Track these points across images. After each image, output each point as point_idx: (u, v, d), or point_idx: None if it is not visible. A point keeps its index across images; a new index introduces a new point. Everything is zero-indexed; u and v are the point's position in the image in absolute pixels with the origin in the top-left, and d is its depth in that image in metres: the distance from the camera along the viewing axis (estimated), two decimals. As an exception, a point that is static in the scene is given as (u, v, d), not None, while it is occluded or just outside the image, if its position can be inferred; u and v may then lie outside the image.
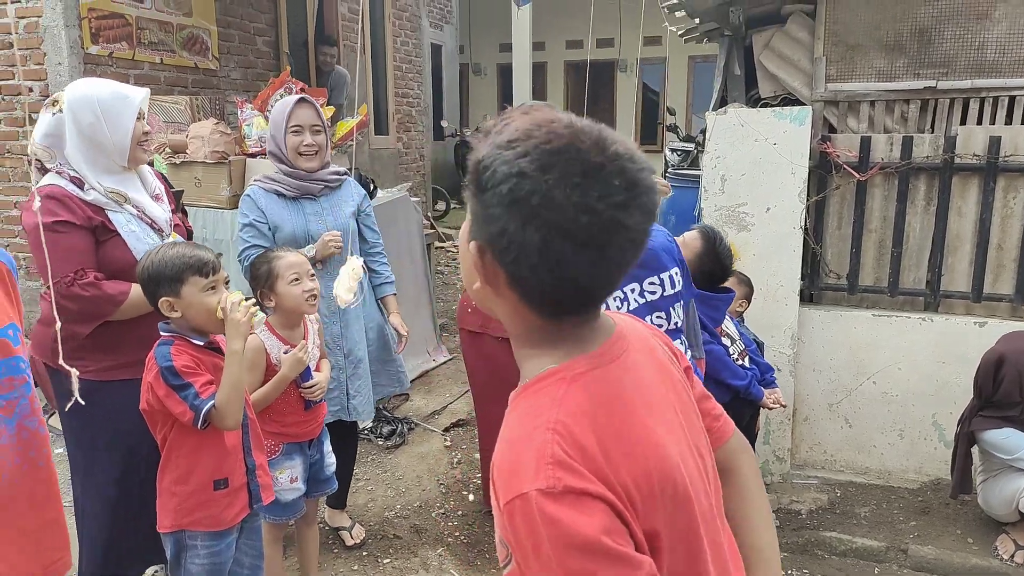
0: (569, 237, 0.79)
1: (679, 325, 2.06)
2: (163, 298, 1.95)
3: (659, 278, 1.97)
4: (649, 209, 0.84)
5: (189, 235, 2.56)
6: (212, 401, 1.88)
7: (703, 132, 10.77)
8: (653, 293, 1.95)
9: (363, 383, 2.92)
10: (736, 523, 1.07)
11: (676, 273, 2.06)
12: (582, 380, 0.87)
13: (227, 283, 2.05)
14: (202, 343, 2.00)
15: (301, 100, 2.81)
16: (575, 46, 13.60)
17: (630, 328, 0.99)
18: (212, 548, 2.01)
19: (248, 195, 2.82)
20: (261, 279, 2.39)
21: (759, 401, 2.93)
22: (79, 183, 2.19)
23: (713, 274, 2.74)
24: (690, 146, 7.89)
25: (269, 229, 2.76)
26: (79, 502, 2.38)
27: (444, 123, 11.94)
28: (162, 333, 1.94)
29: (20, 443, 1.50)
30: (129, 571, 2.48)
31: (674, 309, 2.06)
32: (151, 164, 2.56)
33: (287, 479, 2.35)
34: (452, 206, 11.17)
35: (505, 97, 13.52)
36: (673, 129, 9.27)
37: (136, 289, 2.16)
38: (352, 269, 2.67)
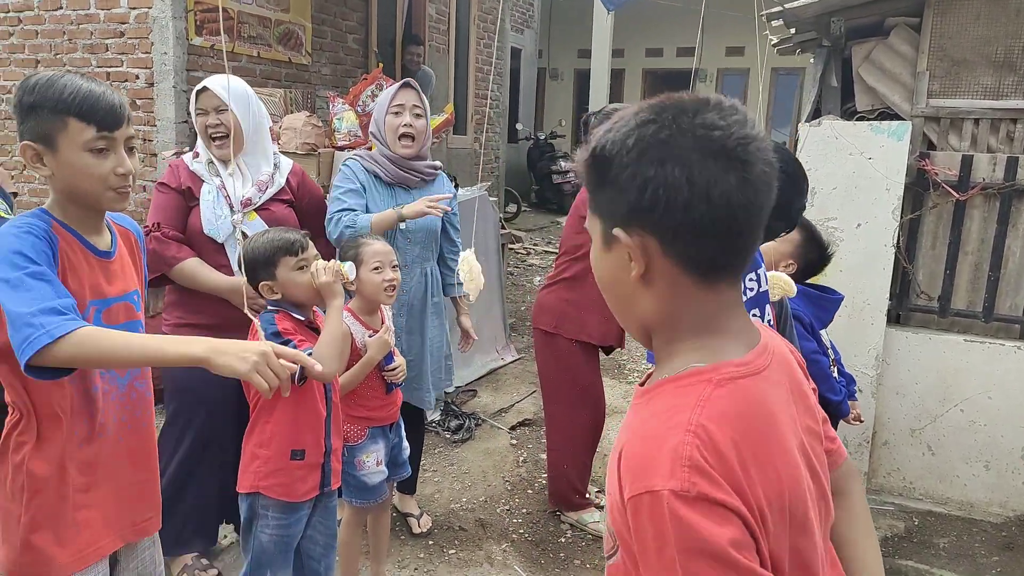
0: (710, 155, 0.79)
1: (771, 324, 2.01)
2: (262, 283, 2.06)
3: (756, 274, 1.91)
4: (776, 203, 0.86)
5: (311, 216, 2.72)
6: (309, 350, 1.95)
7: (783, 144, 10.63)
8: (752, 289, 1.91)
9: (421, 378, 2.93)
10: (844, 544, 1.05)
11: (764, 272, 2.02)
12: (729, 386, 0.84)
13: (317, 259, 2.14)
14: (302, 318, 2.09)
15: (405, 84, 2.85)
16: (654, 54, 13.52)
17: (772, 340, 0.96)
18: (281, 521, 2.08)
19: (347, 164, 2.83)
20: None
21: (844, 416, 2.84)
22: (196, 155, 2.56)
23: (815, 263, 2.56)
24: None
25: (363, 196, 2.77)
26: (161, 438, 2.57)
27: (519, 126, 12.01)
28: (268, 307, 2.03)
29: (129, 402, 1.59)
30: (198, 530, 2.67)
31: (766, 309, 2.02)
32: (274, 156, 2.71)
33: (373, 462, 2.41)
34: (523, 209, 11.22)
35: (581, 102, 13.52)
36: (752, 141, 9.14)
37: (194, 263, 2.43)
38: (466, 262, 2.72)
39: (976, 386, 3.41)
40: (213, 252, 2.49)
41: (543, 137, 12.18)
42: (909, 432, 3.55)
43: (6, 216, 2.36)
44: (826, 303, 2.68)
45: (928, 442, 3.54)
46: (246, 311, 2.10)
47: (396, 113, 2.79)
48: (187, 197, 2.50)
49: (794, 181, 1.84)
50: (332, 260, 2.13)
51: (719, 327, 0.89)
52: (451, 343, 3.13)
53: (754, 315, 1.82)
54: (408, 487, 3.22)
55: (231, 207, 2.49)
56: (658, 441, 0.80)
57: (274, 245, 2.05)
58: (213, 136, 2.49)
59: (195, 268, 2.44)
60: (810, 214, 3.39)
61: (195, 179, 2.51)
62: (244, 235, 2.44)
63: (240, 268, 2.10)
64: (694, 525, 0.75)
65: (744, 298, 1.76)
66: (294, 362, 1.47)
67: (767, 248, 2.34)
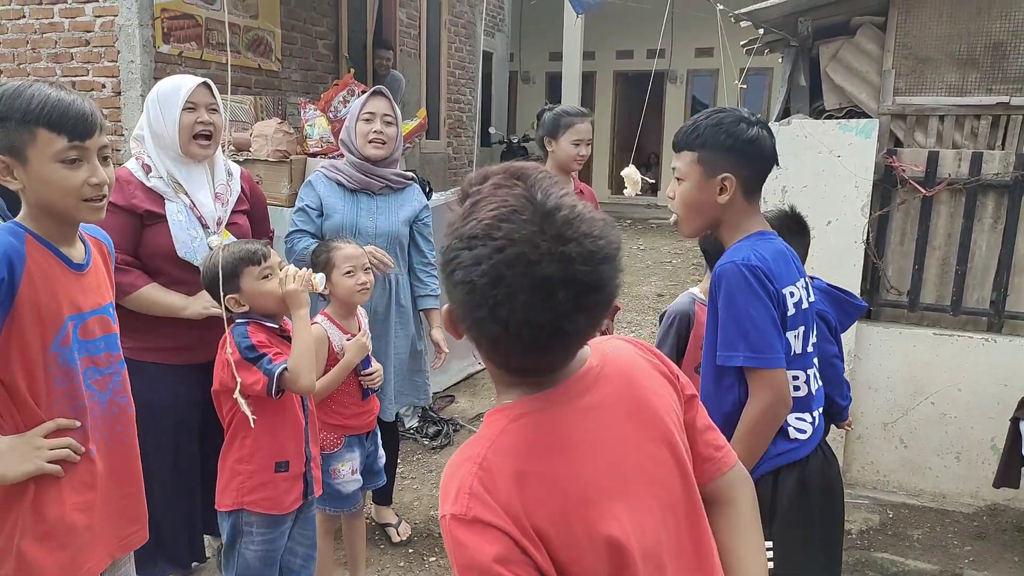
0: (513, 341, 0.89)
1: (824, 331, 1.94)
2: (228, 296, 2.03)
3: (805, 281, 1.77)
4: (596, 310, 0.91)
5: (260, 222, 2.64)
6: (284, 365, 1.94)
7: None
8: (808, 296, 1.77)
9: (384, 385, 2.84)
10: (725, 551, 1.11)
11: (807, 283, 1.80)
12: (521, 422, 0.95)
13: (281, 267, 2.12)
14: (275, 326, 2.07)
15: (376, 91, 2.85)
16: (625, 56, 13.59)
17: (613, 359, 1.04)
18: (266, 536, 2.06)
19: (309, 180, 2.86)
20: (319, 267, 2.45)
21: (843, 421, 2.80)
22: (148, 169, 2.33)
23: (795, 231, 2.20)
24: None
25: (319, 216, 2.78)
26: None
27: (492, 129, 12.01)
28: (236, 320, 2.00)
29: (110, 418, 1.56)
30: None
31: (812, 326, 1.79)
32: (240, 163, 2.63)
33: (348, 471, 2.39)
34: (498, 212, 11.18)
35: (553, 104, 13.54)
36: (723, 141, 9.23)
37: (153, 291, 2.26)
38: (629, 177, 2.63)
39: (946, 379, 3.46)
40: (185, 274, 2.35)
41: (516, 140, 12.18)
42: (882, 426, 3.60)
43: None
44: (849, 308, 2.60)
45: (900, 435, 3.59)
46: (218, 312, 2.05)
47: (367, 120, 2.80)
48: (143, 217, 2.31)
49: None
50: (304, 268, 2.10)
51: (526, 383, 0.98)
52: (427, 360, 3.09)
53: (797, 334, 1.70)
54: (384, 498, 3.19)
55: (204, 226, 2.38)
56: (454, 471, 0.94)
57: (236, 257, 2.03)
58: (201, 134, 2.34)
59: (152, 294, 2.28)
60: (781, 212, 3.44)
61: (155, 198, 2.32)
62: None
63: (204, 286, 2.08)
64: (467, 545, 0.89)
65: (806, 305, 1.70)
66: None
67: None
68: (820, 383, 1.75)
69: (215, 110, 2.38)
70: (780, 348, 1.57)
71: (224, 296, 2.01)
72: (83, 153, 1.42)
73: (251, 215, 2.59)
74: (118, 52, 4.73)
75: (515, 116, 14.12)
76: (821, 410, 1.76)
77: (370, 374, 2.45)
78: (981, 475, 3.48)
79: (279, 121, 4.48)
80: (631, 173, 2.60)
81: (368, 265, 2.50)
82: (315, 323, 2.38)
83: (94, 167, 1.44)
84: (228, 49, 4.47)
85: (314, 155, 4.37)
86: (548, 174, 0.95)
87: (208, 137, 2.36)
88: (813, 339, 1.71)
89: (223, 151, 2.57)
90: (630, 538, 0.94)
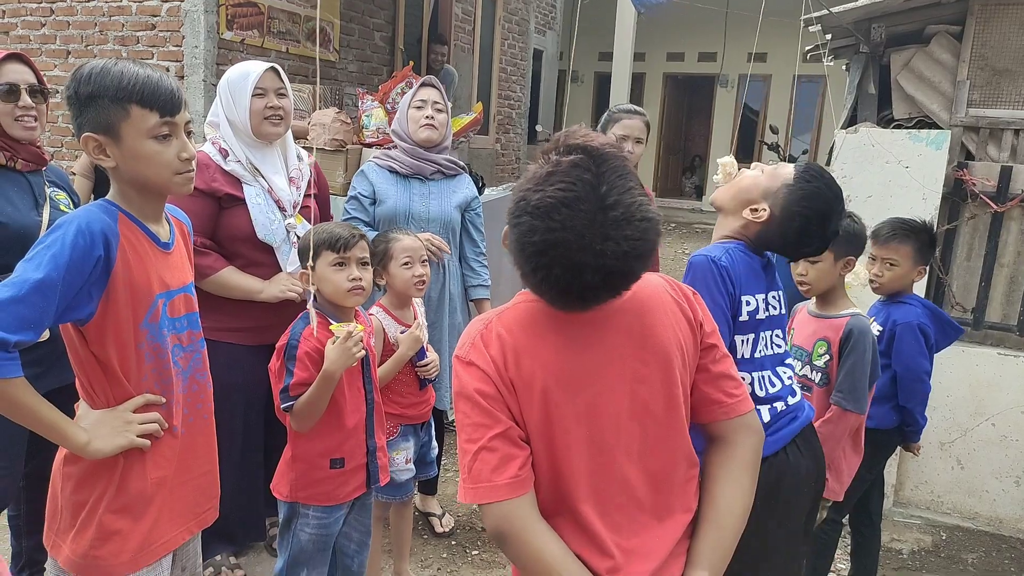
0: (544, 292, 1.17)
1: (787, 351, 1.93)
2: (302, 271, 2.06)
3: (778, 294, 1.87)
4: (619, 288, 1.15)
5: (324, 208, 2.69)
6: (292, 403, 1.96)
7: (805, 152, 10.47)
8: (775, 308, 1.84)
9: (444, 375, 2.87)
10: (709, 479, 1.30)
11: (782, 295, 1.89)
12: (531, 304, 1.23)
13: (364, 263, 2.11)
14: (335, 323, 2.06)
15: (427, 82, 2.91)
16: (675, 58, 13.47)
17: (639, 289, 1.22)
18: (322, 520, 2.07)
19: (362, 170, 2.91)
20: (378, 256, 2.45)
21: (914, 442, 2.71)
22: (225, 153, 2.38)
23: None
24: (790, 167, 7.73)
25: (372, 203, 2.81)
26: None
27: (539, 127, 11.98)
28: (309, 307, 2.02)
29: (190, 395, 1.57)
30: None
31: (788, 333, 1.97)
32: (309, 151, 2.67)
33: (403, 460, 2.40)
34: (541, 210, 11.16)
35: (601, 105, 13.48)
36: (774, 148, 9.08)
37: (231, 274, 2.29)
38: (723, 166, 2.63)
39: (1009, 400, 3.36)
40: (263, 256, 2.41)
41: (563, 139, 12.14)
42: (939, 445, 3.51)
43: (66, 211, 2.34)
44: (949, 329, 2.64)
45: (958, 456, 3.49)
46: (295, 296, 2.05)
47: (419, 107, 2.86)
48: (222, 200, 2.38)
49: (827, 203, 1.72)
50: (352, 328, 1.99)
51: None
52: None
53: (777, 335, 1.82)
54: (429, 487, 3.20)
55: (281, 209, 2.43)
56: (472, 325, 1.27)
57: (320, 238, 2.06)
58: (271, 117, 2.39)
59: (229, 277, 2.34)
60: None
61: (233, 182, 2.39)
62: (298, 237, 2.42)
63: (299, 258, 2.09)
64: (461, 376, 1.22)
65: (764, 316, 1.77)
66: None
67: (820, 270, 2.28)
68: (780, 387, 1.79)
69: (283, 94, 2.43)
70: (724, 339, 1.68)
71: (306, 269, 2.04)
72: (173, 128, 1.44)
73: (318, 199, 2.63)
74: (183, 37, 4.81)
75: (562, 114, 14.09)
76: (781, 407, 1.77)
77: (425, 365, 2.45)
78: (1041, 501, 3.37)
79: (337, 111, 4.52)
80: (728, 163, 2.53)
81: (425, 257, 2.50)
82: (371, 314, 2.38)
83: (183, 142, 1.46)
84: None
85: (370, 145, 4.39)
86: (622, 165, 1.13)
87: (279, 120, 2.41)
88: (766, 352, 1.78)
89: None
90: (581, 433, 1.20)
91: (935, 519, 3.51)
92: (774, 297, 1.83)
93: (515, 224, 1.13)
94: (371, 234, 2.70)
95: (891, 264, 2.58)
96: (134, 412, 1.45)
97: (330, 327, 1.99)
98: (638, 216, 1.10)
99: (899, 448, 3.44)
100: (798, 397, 1.83)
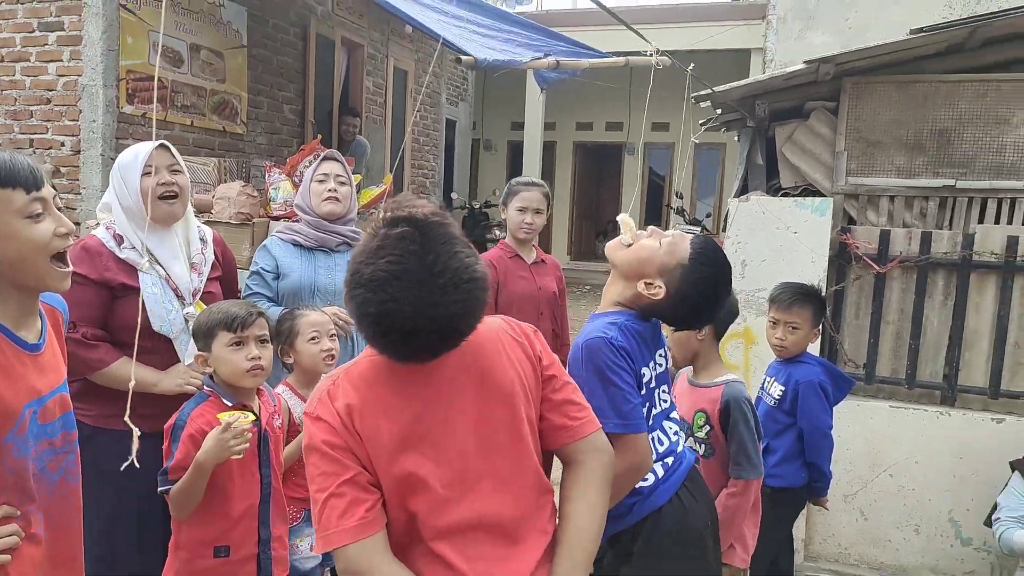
0: (385, 352, 1.30)
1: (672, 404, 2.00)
2: (198, 352, 2.01)
3: (664, 351, 1.92)
4: (452, 343, 1.29)
5: (231, 285, 2.59)
6: (169, 488, 1.89)
7: (708, 216, 10.95)
8: (660, 366, 1.90)
9: None
10: (564, 502, 1.41)
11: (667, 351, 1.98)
12: (376, 359, 1.32)
13: (263, 341, 2.06)
14: (231, 404, 2.00)
15: (329, 156, 2.93)
16: (585, 128, 13.97)
17: (477, 332, 1.32)
18: None
19: (264, 244, 2.87)
20: (283, 335, 2.40)
21: (820, 496, 2.82)
22: (120, 240, 2.26)
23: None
24: (696, 229, 8.06)
25: (275, 278, 2.76)
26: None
27: (454, 195, 12.13)
28: (204, 387, 1.95)
29: (59, 499, 1.46)
30: None
31: (671, 388, 2.01)
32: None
33: (307, 547, 2.29)
34: (458, 277, 11.18)
35: (514, 173, 13.77)
36: (680, 212, 9.46)
37: (123, 366, 2.15)
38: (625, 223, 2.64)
39: (903, 451, 3.51)
40: (159, 345, 2.25)
41: (477, 206, 12.32)
42: (843, 498, 3.62)
43: None
44: (842, 383, 2.77)
45: (861, 507, 3.61)
46: (193, 389, 1.98)
47: (321, 181, 2.86)
48: (116, 291, 2.23)
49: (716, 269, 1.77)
50: (236, 417, 1.92)
51: None
52: None
53: (663, 390, 1.90)
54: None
55: (180, 298, 2.30)
56: (322, 384, 1.35)
57: (215, 318, 2.01)
58: (165, 196, 2.27)
59: (121, 370, 2.16)
60: (741, 285, 3.52)
61: (128, 270, 2.24)
62: None
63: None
64: (309, 431, 1.30)
65: (652, 382, 1.84)
66: None
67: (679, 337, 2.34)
68: (668, 444, 1.87)
69: (177, 170, 2.32)
70: (642, 415, 1.73)
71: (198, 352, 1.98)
72: (44, 205, 1.35)
73: (223, 280, 2.53)
74: (80, 112, 4.69)
75: (477, 182, 14.32)
76: (671, 461, 1.86)
77: None
78: (939, 548, 3.50)
79: (243, 184, 4.47)
80: (626, 218, 2.63)
81: (333, 331, 2.46)
82: (277, 394, 2.31)
83: (57, 217, 1.37)
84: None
85: (277, 218, 4.34)
86: (446, 232, 1.25)
87: (172, 197, 2.30)
88: (655, 411, 1.86)
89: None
90: (429, 472, 1.28)
91: (844, 571, 3.59)
92: (660, 355, 1.89)
93: (352, 296, 1.24)
94: (275, 310, 2.65)
95: (793, 328, 2.70)
96: None
97: (218, 415, 1.92)
98: (465, 278, 1.22)
99: (807, 504, 3.56)
100: (681, 447, 1.91)
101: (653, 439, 1.82)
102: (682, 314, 1.79)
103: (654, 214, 13.91)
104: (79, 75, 4.67)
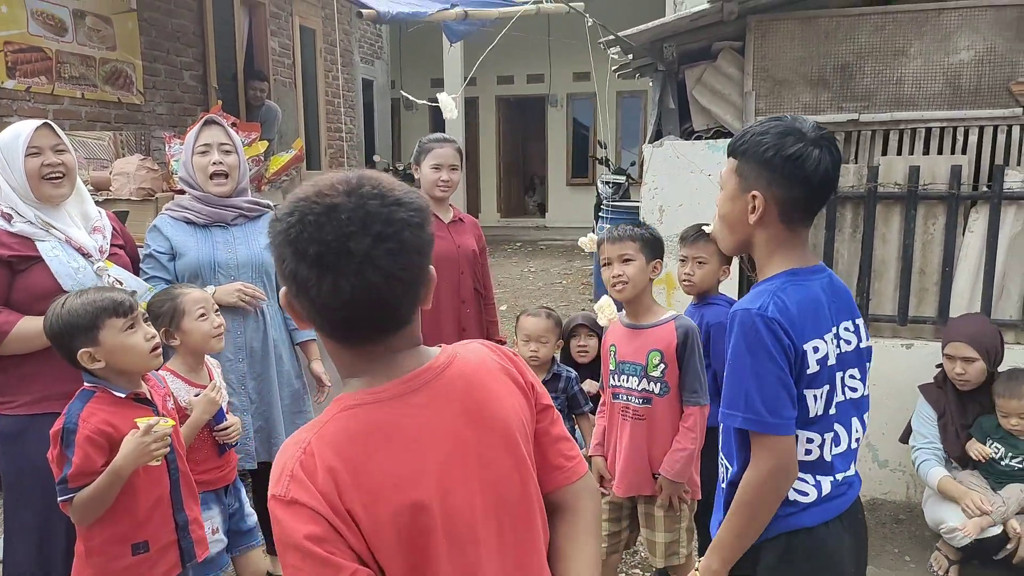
0: (304, 261, 0.95)
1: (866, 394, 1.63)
2: (81, 350, 1.84)
3: (854, 323, 1.58)
4: (388, 236, 0.96)
5: (135, 263, 2.53)
6: (72, 496, 1.78)
7: (633, 164, 11.01)
8: (848, 343, 1.54)
9: (272, 427, 2.73)
10: (559, 557, 1.16)
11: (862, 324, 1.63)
12: (348, 412, 1.01)
13: (146, 319, 1.97)
14: (123, 395, 1.89)
15: (208, 121, 2.73)
16: (506, 81, 13.79)
17: (462, 360, 1.09)
18: None
19: (154, 225, 2.68)
20: (165, 316, 2.25)
21: None
22: (9, 217, 2.24)
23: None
24: (621, 178, 8.07)
25: (171, 259, 2.61)
26: (6, 545, 2.25)
27: (377, 158, 11.88)
28: (84, 384, 1.83)
29: None
30: None
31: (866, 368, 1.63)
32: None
33: (208, 530, 2.19)
34: (386, 241, 11.04)
35: (437, 131, 13.56)
36: (605, 162, 9.47)
37: (29, 321, 2.14)
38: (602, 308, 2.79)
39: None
40: None
41: (401, 168, 12.10)
42: (767, 432, 3.73)
43: None
44: None
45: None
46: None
47: (203, 152, 2.66)
48: (13, 264, 2.18)
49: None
50: (159, 421, 1.87)
51: (365, 370, 1.04)
52: (308, 399, 2.94)
53: (852, 375, 1.57)
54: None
55: (86, 255, 2.27)
56: (283, 453, 1.02)
57: (97, 306, 1.84)
58: (51, 176, 2.24)
59: (30, 326, 2.12)
60: (660, 230, 3.52)
61: (23, 242, 2.21)
62: (119, 281, 2.25)
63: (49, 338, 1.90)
64: (283, 522, 0.97)
65: (834, 361, 1.52)
66: None
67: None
68: (845, 447, 1.56)
69: (62, 150, 2.29)
70: (789, 413, 1.42)
71: (77, 352, 1.84)
72: None
73: (127, 252, 2.49)
74: (-45, 88, 4.35)
75: (400, 144, 14.04)
76: (842, 478, 1.55)
77: (224, 429, 2.29)
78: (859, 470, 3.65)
79: (142, 157, 4.23)
80: (605, 305, 2.78)
81: (217, 307, 2.36)
82: (161, 376, 2.19)
83: None
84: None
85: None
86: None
87: (59, 178, 2.27)
88: (840, 397, 1.52)
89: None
90: (434, 513, 1.00)
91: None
92: (847, 329, 1.55)
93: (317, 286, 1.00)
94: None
95: (700, 262, 2.75)
96: None
97: (136, 420, 1.81)
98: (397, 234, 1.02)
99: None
100: (854, 468, 1.61)
101: (834, 439, 1.52)
102: (798, 194, 1.47)
103: (581, 166, 13.92)
104: (-51, 48, 4.31)
